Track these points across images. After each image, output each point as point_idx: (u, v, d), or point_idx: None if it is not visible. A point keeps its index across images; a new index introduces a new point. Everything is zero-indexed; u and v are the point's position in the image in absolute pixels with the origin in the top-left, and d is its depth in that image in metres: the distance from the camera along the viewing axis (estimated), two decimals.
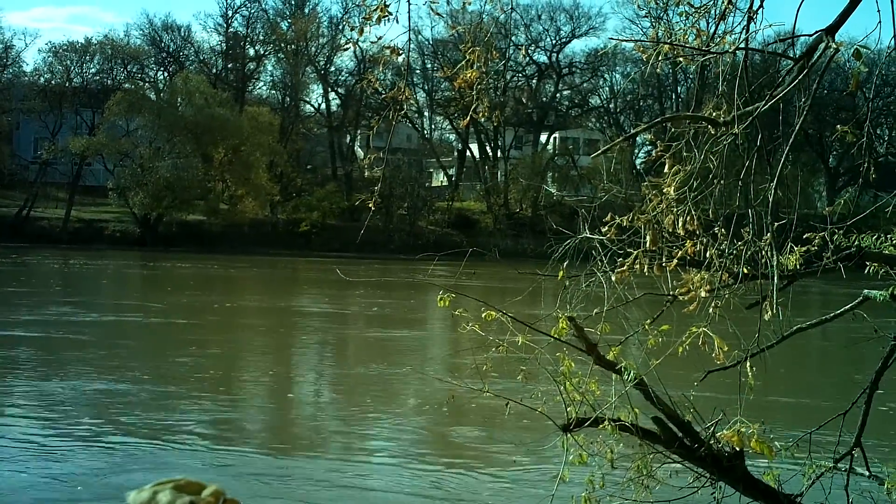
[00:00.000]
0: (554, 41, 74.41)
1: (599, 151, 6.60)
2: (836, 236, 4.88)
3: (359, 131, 73.97)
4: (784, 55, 4.43)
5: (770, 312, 4.15)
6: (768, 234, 4.16)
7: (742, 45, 4.09)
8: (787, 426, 10.88)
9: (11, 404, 14.75)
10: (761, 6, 4.13)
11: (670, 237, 4.46)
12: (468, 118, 5.16)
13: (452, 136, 79.80)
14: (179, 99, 64.97)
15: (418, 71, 70.73)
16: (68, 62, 69.56)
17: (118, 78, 71.15)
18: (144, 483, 1.98)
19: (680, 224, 4.31)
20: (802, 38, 4.13)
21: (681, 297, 4.60)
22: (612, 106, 76.70)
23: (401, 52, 4.99)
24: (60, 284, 37.23)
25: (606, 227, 4.60)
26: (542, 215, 59.30)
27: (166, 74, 74.88)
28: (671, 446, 4.75)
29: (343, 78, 75.11)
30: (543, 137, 75.13)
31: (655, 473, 4.91)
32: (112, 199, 62.47)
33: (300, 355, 22.37)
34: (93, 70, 71.04)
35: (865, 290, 5.22)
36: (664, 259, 4.50)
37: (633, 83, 66.95)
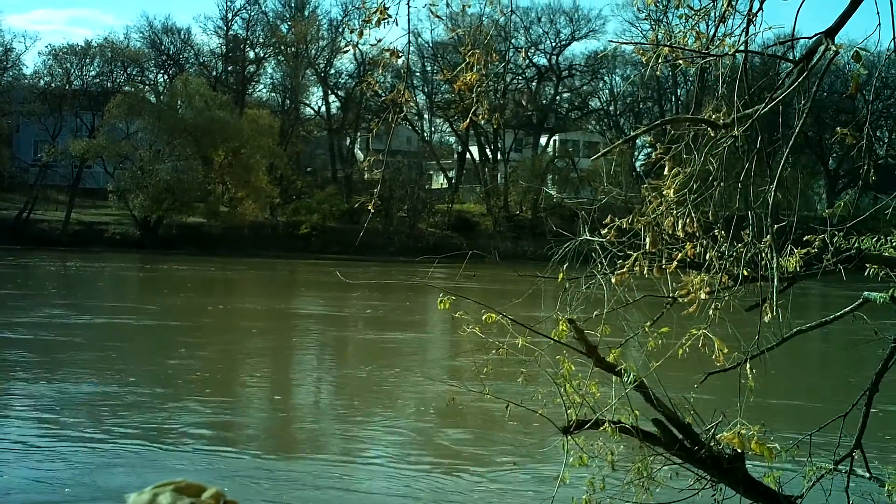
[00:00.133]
0: (554, 44, 74.51)
1: (599, 154, 6.61)
2: (836, 238, 4.88)
3: (359, 134, 73.96)
4: (784, 58, 4.43)
5: (770, 314, 4.15)
6: (768, 237, 4.16)
7: (742, 48, 4.10)
8: (788, 428, 10.88)
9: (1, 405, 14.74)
10: (761, 8, 4.14)
11: (670, 239, 4.46)
12: (468, 120, 5.17)
13: (452, 139, 79.87)
14: (179, 102, 64.97)
15: (418, 73, 70.83)
16: (68, 65, 69.54)
17: (118, 80, 71.14)
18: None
19: (680, 226, 4.31)
20: (802, 41, 4.13)
21: (681, 300, 4.60)
22: (611, 108, 76.73)
23: (400, 54, 5.00)
24: (56, 287, 37.11)
25: (606, 230, 4.60)
26: (542, 217, 59.36)
27: (166, 77, 74.93)
28: (671, 448, 4.75)
29: (343, 80, 75.23)
30: (543, 140, 75.15)
31: (656, 475, 4.91)
32: (112, 202, 62.50)
33: (293, 357, 22.20)
34: (93, 73, 71.07)
35: (865, 292, 5.23)
36: (664, 261, 4.51)
37: (633, 86, 67.00)
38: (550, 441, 5.19)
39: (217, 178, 64.61)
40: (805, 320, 5.45)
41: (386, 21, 4.70)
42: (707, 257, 4.41)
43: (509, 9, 5.63)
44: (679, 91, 71.97)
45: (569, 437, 4.68)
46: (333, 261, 49.67)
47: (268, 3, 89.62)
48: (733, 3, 4.37)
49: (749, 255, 4.27)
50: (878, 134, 67.83)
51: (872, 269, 5.08)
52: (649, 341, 4.76)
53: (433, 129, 79.48)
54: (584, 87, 76.98)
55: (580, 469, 4.80)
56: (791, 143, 4.23)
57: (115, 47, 70.88)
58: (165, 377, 17.09)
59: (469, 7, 5.31)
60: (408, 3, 4.65)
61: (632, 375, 4.49)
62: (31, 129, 68.40)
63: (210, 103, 62.88)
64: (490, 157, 73.44)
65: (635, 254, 4.48)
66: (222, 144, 62.59)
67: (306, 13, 74.46)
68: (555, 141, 75.34)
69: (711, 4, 4.56)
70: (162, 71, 75.97)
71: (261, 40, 75.84)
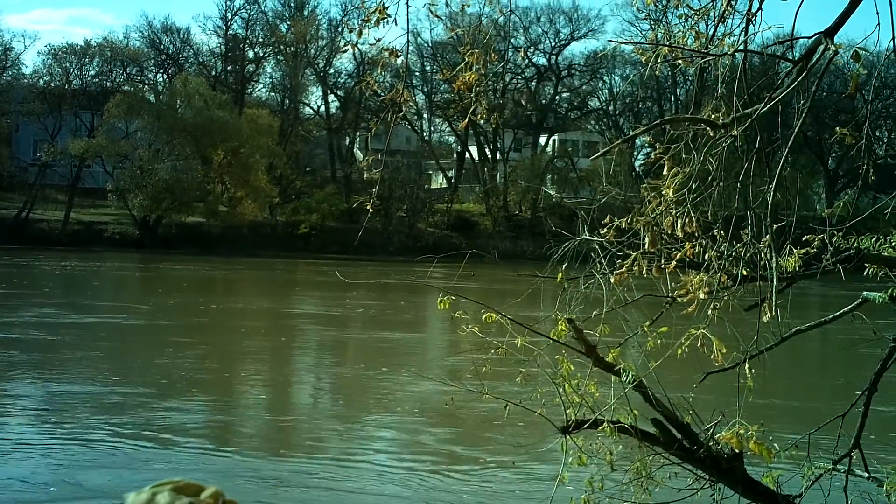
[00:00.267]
0: (553, 43, 74.50)
1: (598, 154, 6.61)
2: (836, 238, 4.88)
3: (358, 133, 73.99)
4: (783, 57, 4.43)
5: (769, 314, 4.15)
6: (767, 236, 4.16)
7: (741, 48, 4.10)
8: (787, 428, 10.87)
9: None
10: (760, 8, 4.14)
11: (669, 239, 4.46)
12: (467, 120, 5.16)
13: (452, 139, 79.83)
14: (179, 101, 64.95)
15: (417, 73, 70.77)
16: (67, 64, 69.51)
17: (117, 80, 71.10)
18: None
19: (679, 226, 4.31)
20: (801, 41, 4.13)
21: (680, 299, 4.60)
22: (611, 108, 76.72)
23: (399, 54, 5.00)
24: (50, 286, 36.98)
25: (605, 229, 4.61)
26: (542, 217, 59.31)
27: (165, 77, 74.92)
28: (670, 448, 4.75)
29: (342, 80, 75.19)
30: (542, 139, 75.15)
31: (654, 475, 4.91)
32: (111, 202, 62.44)
33: (282, 357, 21.91)
34: (92, 72, 71.00)
35: (864, 292, 5.23)
36: (663, 261, 4.51)
37: (633, 85, 67.03)
38: (549, 441, 5.18)
39: (216, 178, 64.61)
40: (804, 320, 5.45)
41: (385, 20, 4.70)
42: (706, 257, 4.41)
43: (508, 8, 5.63)
44: (678, 91, 71.99)
45: (567, 437, 4.68)
46: (332, 260, 49.65)
47: (267, 2, 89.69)
48: (733, 2, 4.37)
49: (748, 254, 4.28)
50: (877, 134, 67.85)
51: (871, 269, 5.08)
52: (648, 341, 4.76)
53: (432, 128, 79.52)
54: (584, 87, 76.99)
55: (579, 469, 4.80)
56: (790, 142, 4.23)
57: (115, 47, 70.85)
58: (150, 377, 17.01)
59: (468, 7, 5.32)
60: (407, 3, 4.65)
61: (631, 375, 4.49)
62: (31, 129, 68.38)
63: (209, 103, 62.86)
64: (489, 156, 73.44)
65: (634, 253, 4.48)
66: (221, 144, 62.57)
67: (305, 13, 74.45)
68: (554, 141, 75.34)
69: (711, 4, 4.56)
70: (161, 70, 76.00)
71: (260, 40, 75.88)
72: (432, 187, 74.84)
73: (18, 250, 51.88)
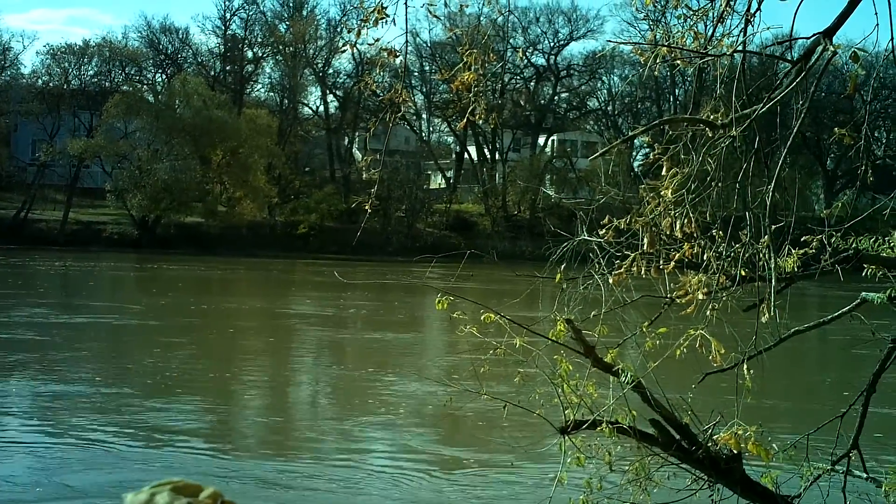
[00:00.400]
0: (552, 44, 74.49)
1: (597, 154, 6.62)
2: (834, 239, 4.88)
3: (357, 133, 74.00)
4: (782, 58, 4.43)
5: (767, 315, 4.15)
6: (766, 237, 4.16)
7: (740, 48, 4.10)
8: (785, 428, 10.88)
9: None
10: (759, 9, 4.14)
11: (668, 240, 4.46)
12: (466, 120, 5.16)
13: (450, 139, 79.83)
14: (177, 101, 64.90)
15: (416, 73, 70.77)
16: (66, 64, 69.42)
17: (116, 80, 71.03)
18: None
19: (677, 226, 4.31)
20: (800, 41, 4.13)
21: (678, 300, 4.60)
22: (610, 108, 76.72)
23: (398, 54, 4.99)
24: (45, 286, 36.87)
25: (604, 230, 4.60)
26: (540, 217, 59.33)
27: (164, 77, 74.82)
28: (669, 449, 4.75)
29: (341, 80, 75.16)
30: (541, 140, 75.16)
31: (653, 476, 4.91)
32: (110, 201, 62.38)
33: (275, 357, 21.78)
34: (91, 72, 70.92)
35: (863, 293, 5.23)
36: (662, 261, 4.51)
37: (632, 86, 67.02)
38: (548, 442, 5.18)
39: (215, 178, 64.57)
40: (803, 321, 5.45)
41: (384, 21, 4.69)
42: (705, 258, 4.41)
43: (507, 9, 5.62)
44: (677, 91, 71.96)
45: (566, 438, 4.68)
46: (331, 260, 49.64)
47: (266, 2, 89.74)
48: (731, 3, 4.37)
49: (747, 255, 4.28)
50: (875, 134, 67.86)
51: (870, 270, 5.07)
52: (647, 341, 4.76)
53: (431, 128, 79.51)
54: (583, 87, 77.00)
55: (578, 469, 4.79)
56: (789, 143, 4.23)
57: (114, 47, 70.79)
58: (136, 377, 16.96)
59: (467, 7, 5.32)
60: (405, 3, 4.65)
61: (629, 376, 4.49)
62: (29, 129, 68.31)
63: (208, 103, 62.82)
64: (488, 156, 73.43)
65: (633, 254, 4.48)
66: (220, 144, 62.53)
67: (304, 13, 74.41)
68: (553, 141, 75.35)
69: (710, 4, 4.56)
70: (160, 70, 75.93)
71: (259, 40, 75.82)
72: (431, 187, 74.81)
73: (16, 250, 51.80)
